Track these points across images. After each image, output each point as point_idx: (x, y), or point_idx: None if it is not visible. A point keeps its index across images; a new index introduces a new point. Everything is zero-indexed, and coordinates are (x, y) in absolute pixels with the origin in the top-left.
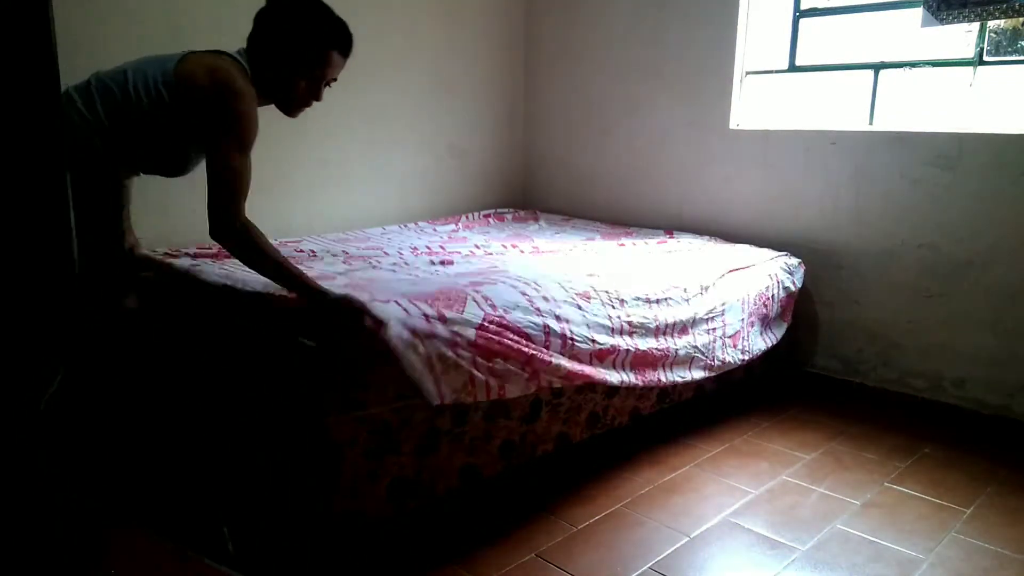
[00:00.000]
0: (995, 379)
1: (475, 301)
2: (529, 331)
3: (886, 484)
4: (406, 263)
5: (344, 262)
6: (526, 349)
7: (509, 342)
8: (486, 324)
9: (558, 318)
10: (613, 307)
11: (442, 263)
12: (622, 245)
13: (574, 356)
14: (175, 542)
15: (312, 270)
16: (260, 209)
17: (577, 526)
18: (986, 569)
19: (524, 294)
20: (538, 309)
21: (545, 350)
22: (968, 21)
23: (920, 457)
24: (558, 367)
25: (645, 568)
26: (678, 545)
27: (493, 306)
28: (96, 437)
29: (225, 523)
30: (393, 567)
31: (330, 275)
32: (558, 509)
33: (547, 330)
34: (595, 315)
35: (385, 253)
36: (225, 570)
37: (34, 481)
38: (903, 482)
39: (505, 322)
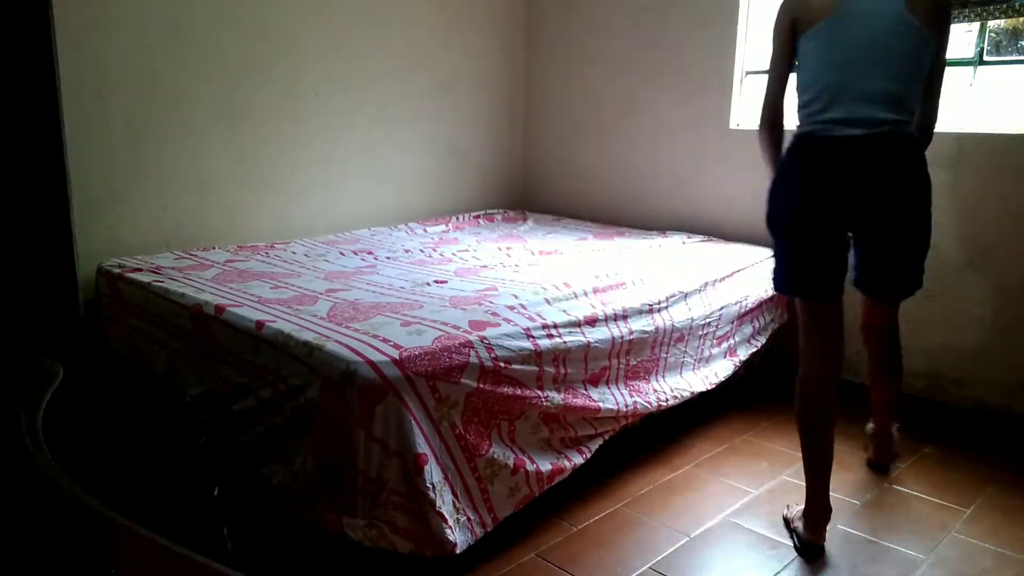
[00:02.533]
0: (995, 379)
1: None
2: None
3: (886, 484)
4: (392, 285)
5: (324, 277)
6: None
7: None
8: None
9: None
10: (616, 324)
11: (436, 282)
12: (616, 241)
13: (568, 388)
14: (175, 542)
15: (289, 289)
16: (260, 209)
17: (577, 526)
18: (986, 569)
19: (527, 332)
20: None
21: (539, 392)
22: (968, 21)
23: (920, 457)
24: (550, 404)
25: (645, 568)
26: (678, 545)
27: (495, 359)
28: (99, 438)
29: (225, 523)
30: (393, 567)
31: (311, 295)
32: (558, 509)
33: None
34: (599, 338)
35: (375, 259)
36: (225, 570)
37: (35, 481)
38: (903, 482)
39: (502, 375)
